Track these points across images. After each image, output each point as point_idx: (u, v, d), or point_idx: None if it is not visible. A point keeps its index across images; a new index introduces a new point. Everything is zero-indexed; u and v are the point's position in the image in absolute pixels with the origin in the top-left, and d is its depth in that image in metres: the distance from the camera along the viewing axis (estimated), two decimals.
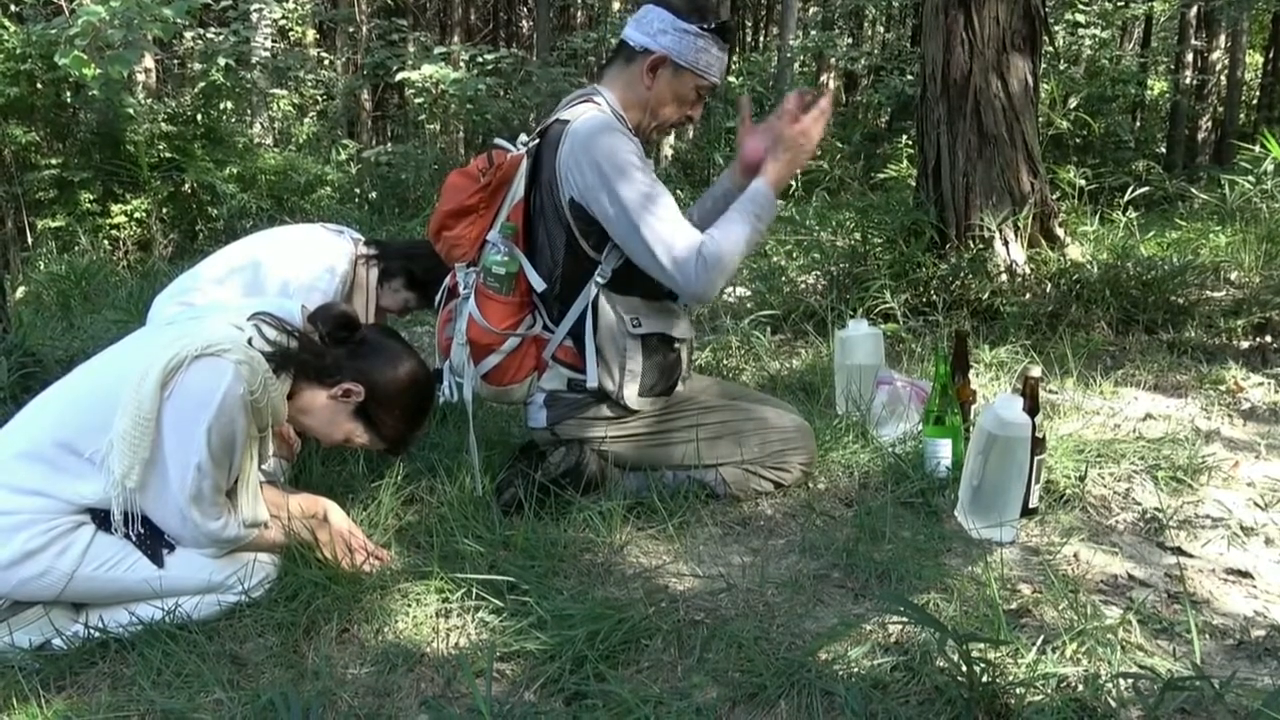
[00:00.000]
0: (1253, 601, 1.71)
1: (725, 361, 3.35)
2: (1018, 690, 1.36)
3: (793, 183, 6.37)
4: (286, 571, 1.78)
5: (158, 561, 1.65)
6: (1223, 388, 2.91)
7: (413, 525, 2.06)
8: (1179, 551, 1.90)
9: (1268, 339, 3.37)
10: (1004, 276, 3.79)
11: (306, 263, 2.45)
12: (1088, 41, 10.12)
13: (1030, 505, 2.01)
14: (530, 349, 2.10)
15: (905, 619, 1.56)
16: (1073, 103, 8.08)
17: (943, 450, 2.20)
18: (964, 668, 1.35)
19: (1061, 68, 9.17)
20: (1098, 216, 4.66)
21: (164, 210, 7.78)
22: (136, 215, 7.60)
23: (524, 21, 19.69)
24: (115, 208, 7.56)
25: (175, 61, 10.66)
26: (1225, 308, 3.60)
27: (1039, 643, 1.49)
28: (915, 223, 4.05)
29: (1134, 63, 11.14)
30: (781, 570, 1.84)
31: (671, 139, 11.01)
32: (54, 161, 7.71)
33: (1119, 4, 11.21)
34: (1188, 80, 13.52)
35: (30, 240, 7.57)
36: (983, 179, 3.90)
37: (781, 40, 11.88)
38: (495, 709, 1.40)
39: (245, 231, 3.78)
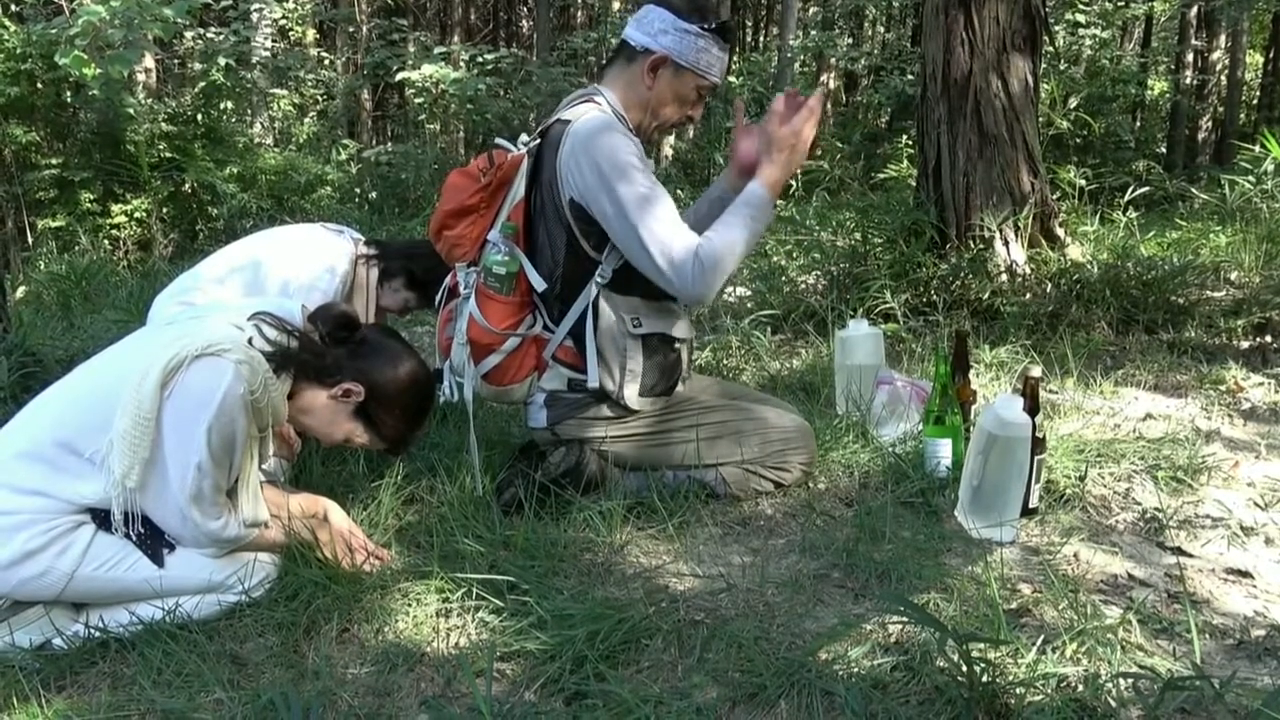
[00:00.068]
0: (1253, 601, 1.71)
1: (725, 361, 3.35)
2: (1018, 690, 1.36)
3: (793, 182, 6.37)
4: (287, 571, 1.78)
5: (158, 561, 1.66)
6: (1223, 388, 2.91)
7: (413, 525, 2.06)
8: (1179, 551, 1.90)
9: (1268, 339, 3.37)
10: (1004, 276, 3.79)
11: (307, 262, 2.45)
12: (1088, 41, 10.12)
13: (1030, 505, 2.01)
14: (530, 349, 2.10)
15: (905, 619, 1.56)
16: (1073, 103, 8.08)
17: (943, 450, 2.20)
18: (964, 668, 1.35)
19: (1062, 68, 9.17)
20: (1098, 216, 4.66)
21: (164, 210, 7.78)
22: (137, 215, 7.60)
23: (524, 21, 19.69)
24: (115, 207, 7.56)
25: (175, 61, 10.66)
26: (1225, 308, 3.60)
27: (1039, 643, 1.49)
28: (915, 223, 4.05)
29: (1134, 63, 11.14)
30: (781, 570, 1.84)
31: (672, 139, 11.01)
32: (54, 161, 7.72)
33: (1119, 4, 11.20)
34: (1188, 80, 13.52)
35: (30, 240, 7.57)
36: (983, 179, 3.90)
37: (781, 40, 11.88)
38: (495, 709, 1.40)
39: (245, 231, 3.78)
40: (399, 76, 9.33)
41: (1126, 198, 4.73)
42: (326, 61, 12.84)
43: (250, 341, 1.67)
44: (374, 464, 2.34)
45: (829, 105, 12.95)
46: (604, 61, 4.19)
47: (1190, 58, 13.77)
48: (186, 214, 7.85)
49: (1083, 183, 4.90)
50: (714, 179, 2.64)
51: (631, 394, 2.08)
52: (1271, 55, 15.01)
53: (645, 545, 1.96)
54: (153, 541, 1.66)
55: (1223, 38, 13.14)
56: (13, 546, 1.56)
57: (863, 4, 13.82)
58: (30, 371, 2.75)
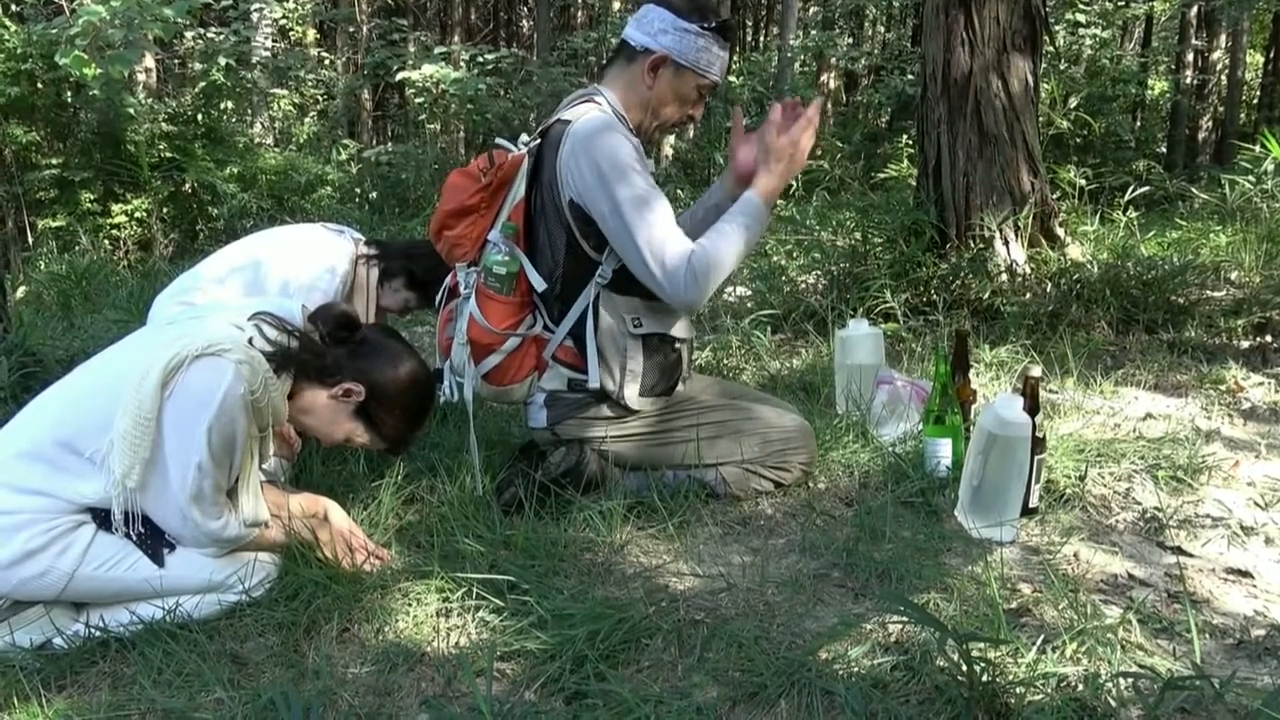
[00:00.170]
0: (1253, 601, 1.71)
1: (725, 361, 3.35)
2: (1018, 690, 1.36)
3: (793, 183, 6.36)
4: (287, 571, 1.78)
5: (158, 561, 1.66)
6: (1223, 387, 2.91)
7: (413, 525, 2.06)
8: (1179, 551, 1.90)
9: (1268, 338, 3.37)
10: (1004, 276, 3.79)
11: (307, 262, 2.45)
12: (1088, 41, 10.12)
13: (1030, 505, 2.01)
14: (531, 349, 2.10)
15: (905, 618, 1.56)
16: (1073, 102, 8.09)
17: (943, 450, 2.20)
18: (964, 667, 1.35)
19: (1062, 67, 9.17)
20: (1098, 216, 4.66)
21: (164, 210, 7.78)
22: (137, 215, 7.60)
23: (524, 21, 19.70)
24: (116, 207, 7.57)
25: (176, 61, 10.67)
26: (1225, 307, 3.60)
27: (1039, 642, 1.49)
28: (915, 222, 4.05)
29: (1134, 62, 11.14)
30: (781, 570, 1.84)
31: (672, 139, 11.01)
32: (54, 161, 7.72)
33: (1119, 4, 11.20)
34: (1188, 80, 13.51)
35: (31, 240, 7.57)
36: (983, 179, 3.90)
37: (782, 40, 11.87)
38: (495, 708, 1.40)
39: (246, 231, 3.78)
40: (399, 76, 9.34)
41: (1126, 197, 4.73)
42: (327, 61, 12.84)
43: (250, 341, 1.67)
44: (374, 464, 2.34)
45: (829, 105, 12.96)
46: (604, 61, 4.19)
47: (1190, 57, 13.77)
48: (187, 214, 7.85)
49: (1083, 182, 4.90)
50: (714, 179, 2.65)
51: (632, 394, 2.08)
52: (1272, 55, 15.01)
53: (645, 545, 1.96)
54: (153, 541, 1.66)
55: (1223, 37, 13.13)
56: (13, 546, 1.56)
57: (863, 4, 13.82)
58: (30, 371, 2.75)
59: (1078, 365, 3.05)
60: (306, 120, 11.46)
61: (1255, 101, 15.43)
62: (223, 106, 8.83)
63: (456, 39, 15.10)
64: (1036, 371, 2.05)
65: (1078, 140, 8.22)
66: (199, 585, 1.68)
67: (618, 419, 2.12)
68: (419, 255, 2.61)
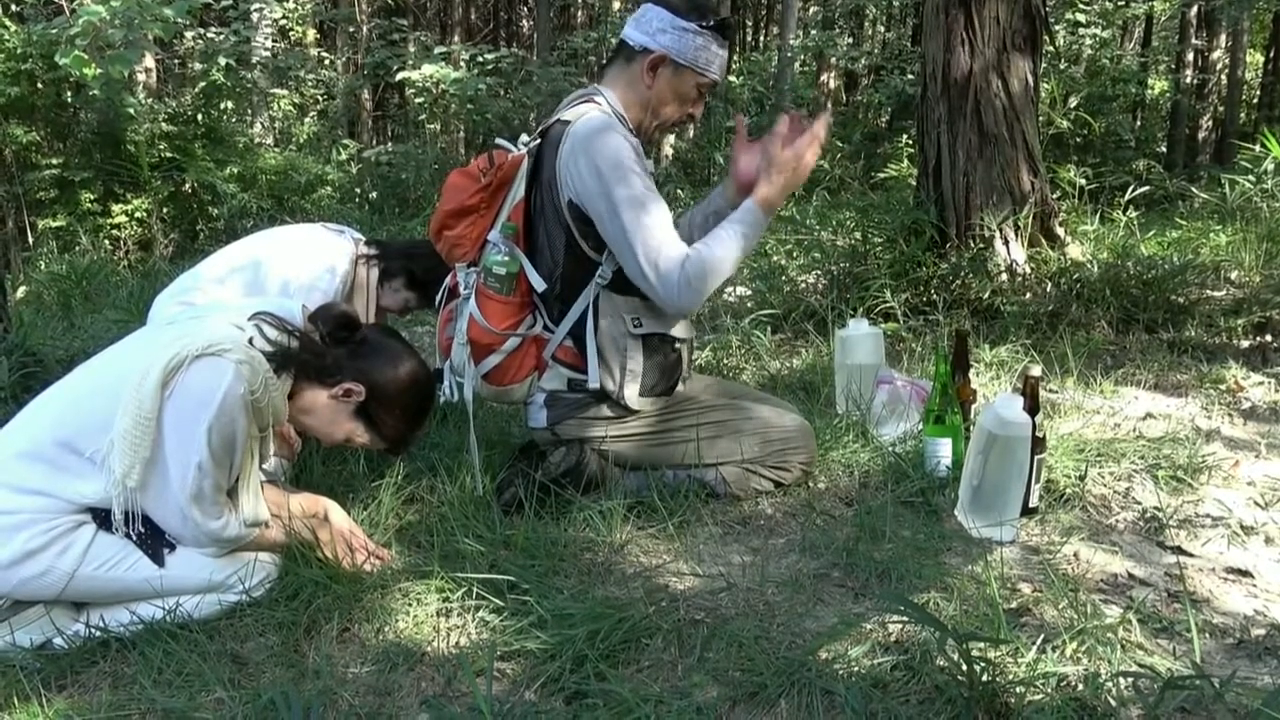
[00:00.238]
0: (1253, 600, 1.71)
1: (725, 361, 3.35)
2: (1018, 689, 1.36)
3: None
4: (287, 571, 1.79)
5: (158, 561, 1.66)
6: (1223, 387, 2.91)
7: (413, 525, 2.06)
8: (1179, 551, 1.90)
9: (1268, 338, 3.37)
10: (1004, 276, 3.79)
11: (307, 262, 2.45)
12: (1088, 41, 10.12)
13: (1030, 504, 2.01)
14: (530, 349, 2.10)
15: (905, 618, 1.56)
16: (1073, 102, 8.09)
17: (943, 449, 2.20)
18: (964, 667, 1.35)
19: (1062, 67, 9.17)
20: (1098, 216, 4.66)
21: (165, 210, 7.79)
22: (137, 215, 7.60)
23: (524, 21, 19.70)
24: (116, 207, 7.57)
25: (176, 61, 10.67)
26: (1225, 307, 3.60)
27: (1039, 642, 1.49)
28: (915, 222, 4.05)
29: (1134, 62, 11.14)
30: (781, 569, 1.84)
31: (672, 138, 11.01)
32: (55, 161, 7.72)
33: (1119, 3, 11.20)
34: (1188, 79, 13.51)
35: (31, 240, 7.58)
36: (983, 178, 3.90)
37: (782, 40, 11.87)
38: (496, 708, 1.40)
39: (246, 231, 3.78)
40: (399, 76, 9.34)
41: (1126, 197, 4.73)
42: (326, 61, 12.84)
43: (251, 341, 1.67)
44: (374, 464, 2.34)
45: (829, 104, 12.95)
46: (604, 61, 4.19)
47: (1190, 57, 13.77)
48: (187, 214, 7.86)
49: (1083, 182, 4.90)
50: (714, 179, 2.64)
51: (632, 394, 2.08)
52: (1272, 54, 15.01)
53: (645, 545, 1.96)
54: (153, 541, 1.66)
55: (1223, 37, 13.13)
56: (13, 546, 1.57)
57: (863, 3, 13.82)
58: (30, 371, 2.75)
59: (1078, 365, 3.05)
60: (306, 120, 11.46)
61: (1255, 101, 15.43)
62: (223, 106, 8.84)
63: (456, 39, 15.10)
64: (1036, 371, 2.05)
65: (1078, 140, 8.22)
66: (199, 585, 1.68)
67: (618, 419, 2.12)
68: (419, 255, 2.61)
